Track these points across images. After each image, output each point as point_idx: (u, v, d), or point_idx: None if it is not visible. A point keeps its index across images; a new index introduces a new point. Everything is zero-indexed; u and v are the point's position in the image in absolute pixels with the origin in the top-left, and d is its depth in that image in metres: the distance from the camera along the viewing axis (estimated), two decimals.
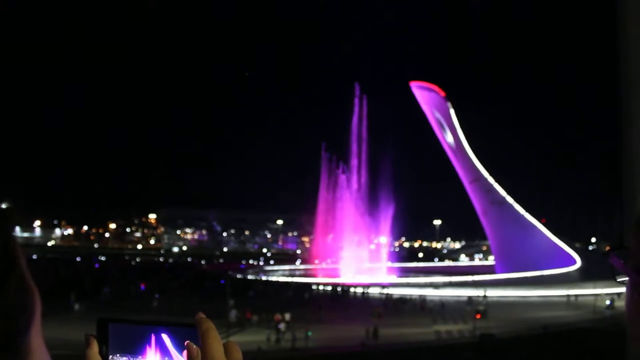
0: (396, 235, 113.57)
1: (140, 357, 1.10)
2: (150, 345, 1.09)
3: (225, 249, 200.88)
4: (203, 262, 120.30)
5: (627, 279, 1.01)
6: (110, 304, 51.77)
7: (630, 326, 1.02)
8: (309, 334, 40.05)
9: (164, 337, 1.09)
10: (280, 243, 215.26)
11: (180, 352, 1.08)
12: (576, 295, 65.87)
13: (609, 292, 59.36)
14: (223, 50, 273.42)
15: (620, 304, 61.00)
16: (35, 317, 0.95)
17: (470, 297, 63.88)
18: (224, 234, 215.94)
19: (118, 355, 1.12)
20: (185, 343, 1.06)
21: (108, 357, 1.12)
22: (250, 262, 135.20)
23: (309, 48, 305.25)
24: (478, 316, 51.54)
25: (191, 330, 1.07)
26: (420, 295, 66.47)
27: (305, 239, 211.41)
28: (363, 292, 73.25)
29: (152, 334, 1.09)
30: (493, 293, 67.48)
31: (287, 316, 44.75)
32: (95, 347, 1.10)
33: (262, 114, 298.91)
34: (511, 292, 69.76)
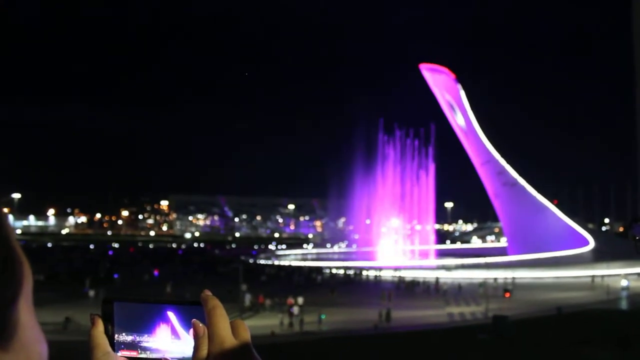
0: (408, 218, 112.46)
1: (146, 335, 1.10)
2: (157, 323, 1.09)
3: (237, 234, 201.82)
4: (216, 251, 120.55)
5: None
6: (124, 291, 52.29)
7: None
8: (323, 317, 40.23)
9: (171, 315, 1.09)
10: (293, 227, 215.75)
11: (187, 330, 1.08)
12: (602, 276, 65.26)
13: (630, 273, 58.88)
14: (233, 41, 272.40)
15: (637, 284, 60.75)
16: (24, 289, 0.87)
17: (496, 279, 64.60)
18: (236, 220, 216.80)
19: (124, 334, 1.11)
20: (192, 321, 1.06)
21: (114, 336, 1.11)
22: (265, 246, 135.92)
23: (317, 42, 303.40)
24: (507, 295, 51.71)
25: (198, 308, 1.07)
26: (428, 279, 66.65)
27: (318, 223, 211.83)
28: (376, 276, 73.43)
29: (159, 313, 1.09)
30: (506, 275, 67.49)
31: (300, 300, 45.00)
32: (100, 327, 1.09)
33: (274, 101, 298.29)
34: (524, 274, 69.63)
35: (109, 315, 1.11)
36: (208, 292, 1.08)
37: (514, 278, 65.83)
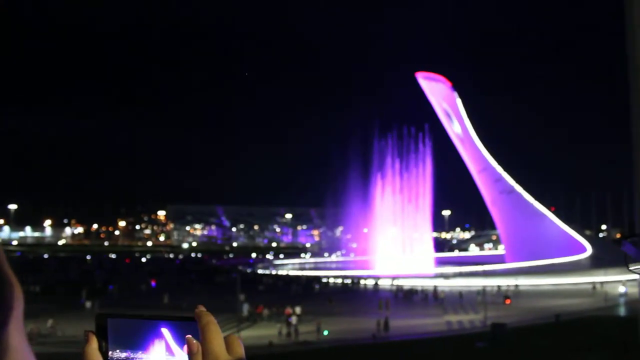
0: (406, 227, 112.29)
1: (140, 352, 1.09)
2: (151, 340, 1.08)
3: (234, 244, 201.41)
4: (214, 260, 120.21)
5: None
6: (121, 301, 52.07)
7: None
8: (326, 333, 39.32)
9: (164, 331, 1.07)
10: (290, 236, 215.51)
11: (181, 346, 1.06)
12: (601, 283, 65.19)
13: (628, 279, 58.80)
14: (228, 50, 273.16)
15: (635, 290, 60.64)
16: (15, 312, 0.87)
17: (499, 287, 64.82)
18: (233, 229, 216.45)
19: (118, 351, 1.10)
20: (186, 337, 1.05)
21: (108, 353, 1.10)
22: (261, 256, 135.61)
23: (315, 50, 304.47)
24: (508, 301, 51.64)
25: (192, 324, 1.06)
26: (426, 287, 66.54)
27: (315, 232, 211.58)
28: (375, 284, 73.27)
29: (153, 329, 1.08)
30: (503, 282, 67.48)
31: (298, 310, 44.84)
32: (94, 343, 1.08)
33: (268, 108, 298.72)
34: (522, 281, 69.62)
35: (102, 332, 1.10)
36: (202, 308, 1.07)
37: (516, 285, 65.90)
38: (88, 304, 48.82)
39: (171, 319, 1.08)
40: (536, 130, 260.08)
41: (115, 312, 1.11)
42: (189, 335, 1.04)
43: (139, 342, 1.09)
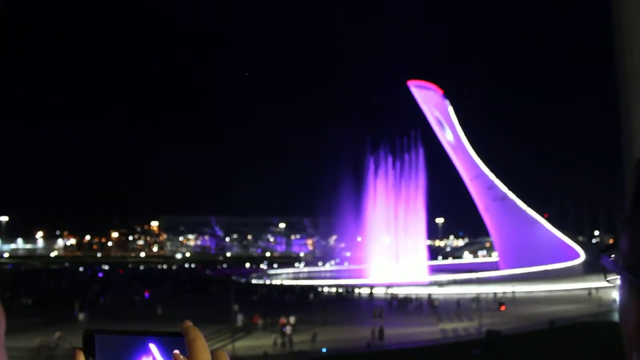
0: (399, 235, 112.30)
1: None
2: (138, 356, 1.08)
3: (228, 254, 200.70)
4: (207, 271, 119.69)
5: (618, 278, 0.98)
6: (115, 313, 51.70)
7: (623, 326, 0.99)
8: (324, 350, 38.15)
9: (152, 347, 1.07)
10: (284, 246, 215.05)
11: None
12: (597, 288, 65.23)
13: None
14: (220, 62, 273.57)
15: None
16: None
17: (495, 294, 64.84)
18: (227, 239, 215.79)
19: None
20: (173, 353, 1.05)
21: None
22: (255, 265, 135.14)
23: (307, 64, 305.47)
24: (503, 308, 51.63)
25: (179, 339, 1.06)
26: (421, 295, 66.48)
27: (309, 241, 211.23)
28: (370, 293, 73.13)
29: (140, 344, 1.08)
30: (498, 289, 67.52)
31: (292, 319, 44.66)
32: None
33: (264, 119, 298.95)
34: (516, 288, 69.72)
35: (90, 349, 1.10)
36: (189, 323, 1.07)
37: (514, 292, 65.92)
38: (81, 316, 48.46)
39: (158, 335, 1.08)
40: (527, 138, 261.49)
41: (103, 329, 1.12)
42: (177, 351, 1.05)
43: (127, 358, 1.08)
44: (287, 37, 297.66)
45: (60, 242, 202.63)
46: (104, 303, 60.09)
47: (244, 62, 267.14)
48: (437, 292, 70.54)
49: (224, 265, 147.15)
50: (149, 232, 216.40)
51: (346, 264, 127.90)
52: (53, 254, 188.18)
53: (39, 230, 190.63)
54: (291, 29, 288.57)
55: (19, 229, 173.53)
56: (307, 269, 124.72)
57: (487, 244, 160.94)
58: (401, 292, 70.43)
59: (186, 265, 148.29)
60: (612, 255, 0.89)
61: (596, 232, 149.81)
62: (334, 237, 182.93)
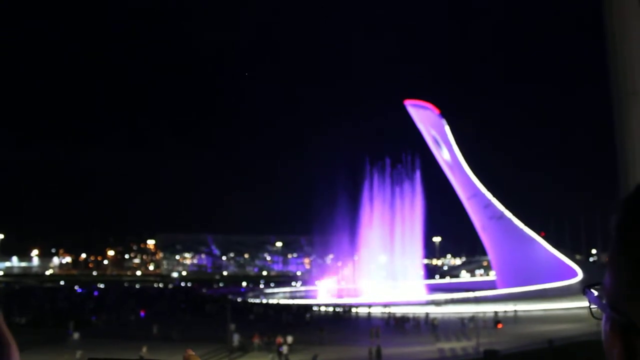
0: (396, 254, 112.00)
1: None
2: None
3: (225, 273, 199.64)
4: (204, 290, 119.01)
5: (603, 315, 1.00)
6: (110, 333, 51.24)
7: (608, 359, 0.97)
8: None
9: None
10: (281, 265, 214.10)
11: None
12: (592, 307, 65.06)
13: None
14: (214, 81, 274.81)
15: None
16: None
17: (496, 312, 64.65)
18: (224, 258, 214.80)
19: None
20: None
21: None
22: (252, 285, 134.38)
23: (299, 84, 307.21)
24: (500, 325, 51.34)
25: None
26: (418, 314, 66.09)
27: (306, 260, 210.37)
28: (368, 313, 72.69)
29: None
30: (498, 308, 67.20)
31: (289, 339, 44.30)
32: None
33: (260, 137, 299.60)
34: (514, 307, 69.41)
35: None
36: (190, 352, 1.07)
37: (515, 311, 65.60)
38: (76, 335, 47.98)
39: None
40: (524, 156, 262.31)
41: (105, 358, 1.13)
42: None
43: None
44: (283, 57, 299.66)
45: (55, 260, 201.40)
46: (98, 322, 59.55)
47: (241, 83, 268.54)
48: (434, 311, 70.16)
49: (221, 284, 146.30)
50: (145, 250, 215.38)
51: (343, 283, 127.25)
52: (48, 272, 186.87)
53: (34, 248, 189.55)
54: (287, 46, 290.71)
55: (14, 246, 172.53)
56: (304, 288, 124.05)
57: (485, 263, 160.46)
58: (398, 311, 70.02)
59: (182, 284, 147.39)
60: (596, 292, 0.92)
61: (594, 251, 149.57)
62: (330, 256, 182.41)
